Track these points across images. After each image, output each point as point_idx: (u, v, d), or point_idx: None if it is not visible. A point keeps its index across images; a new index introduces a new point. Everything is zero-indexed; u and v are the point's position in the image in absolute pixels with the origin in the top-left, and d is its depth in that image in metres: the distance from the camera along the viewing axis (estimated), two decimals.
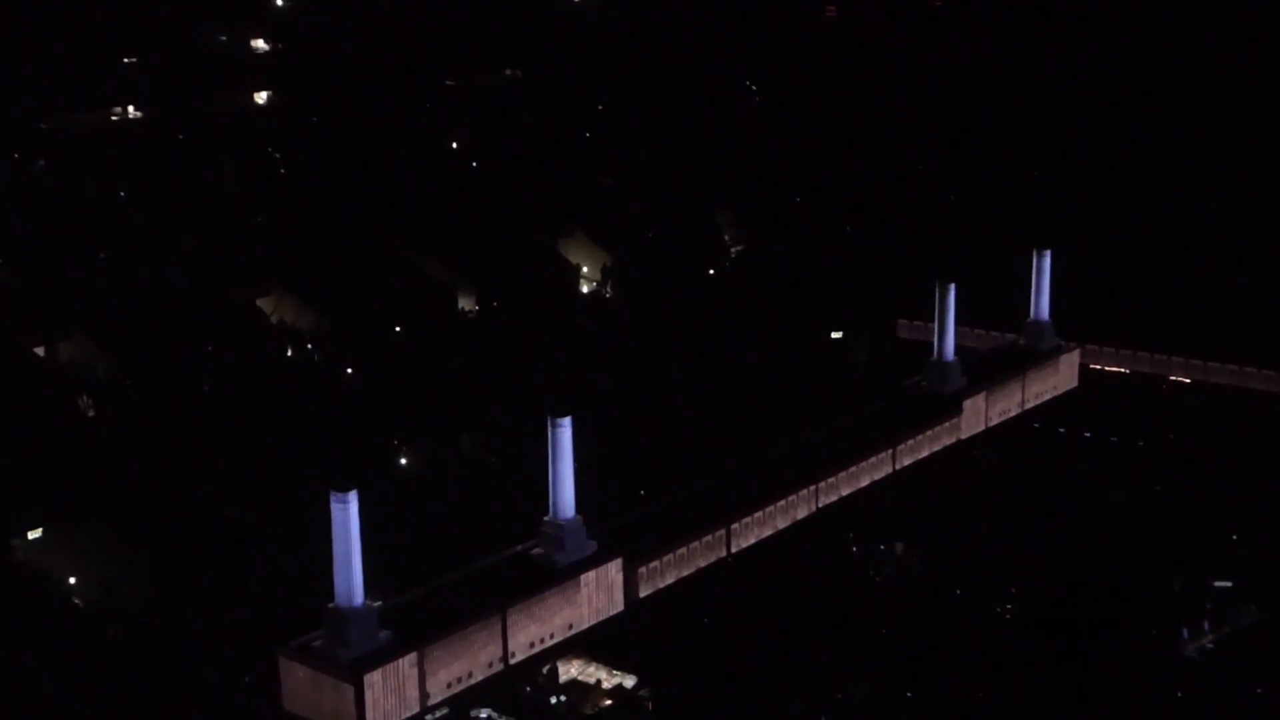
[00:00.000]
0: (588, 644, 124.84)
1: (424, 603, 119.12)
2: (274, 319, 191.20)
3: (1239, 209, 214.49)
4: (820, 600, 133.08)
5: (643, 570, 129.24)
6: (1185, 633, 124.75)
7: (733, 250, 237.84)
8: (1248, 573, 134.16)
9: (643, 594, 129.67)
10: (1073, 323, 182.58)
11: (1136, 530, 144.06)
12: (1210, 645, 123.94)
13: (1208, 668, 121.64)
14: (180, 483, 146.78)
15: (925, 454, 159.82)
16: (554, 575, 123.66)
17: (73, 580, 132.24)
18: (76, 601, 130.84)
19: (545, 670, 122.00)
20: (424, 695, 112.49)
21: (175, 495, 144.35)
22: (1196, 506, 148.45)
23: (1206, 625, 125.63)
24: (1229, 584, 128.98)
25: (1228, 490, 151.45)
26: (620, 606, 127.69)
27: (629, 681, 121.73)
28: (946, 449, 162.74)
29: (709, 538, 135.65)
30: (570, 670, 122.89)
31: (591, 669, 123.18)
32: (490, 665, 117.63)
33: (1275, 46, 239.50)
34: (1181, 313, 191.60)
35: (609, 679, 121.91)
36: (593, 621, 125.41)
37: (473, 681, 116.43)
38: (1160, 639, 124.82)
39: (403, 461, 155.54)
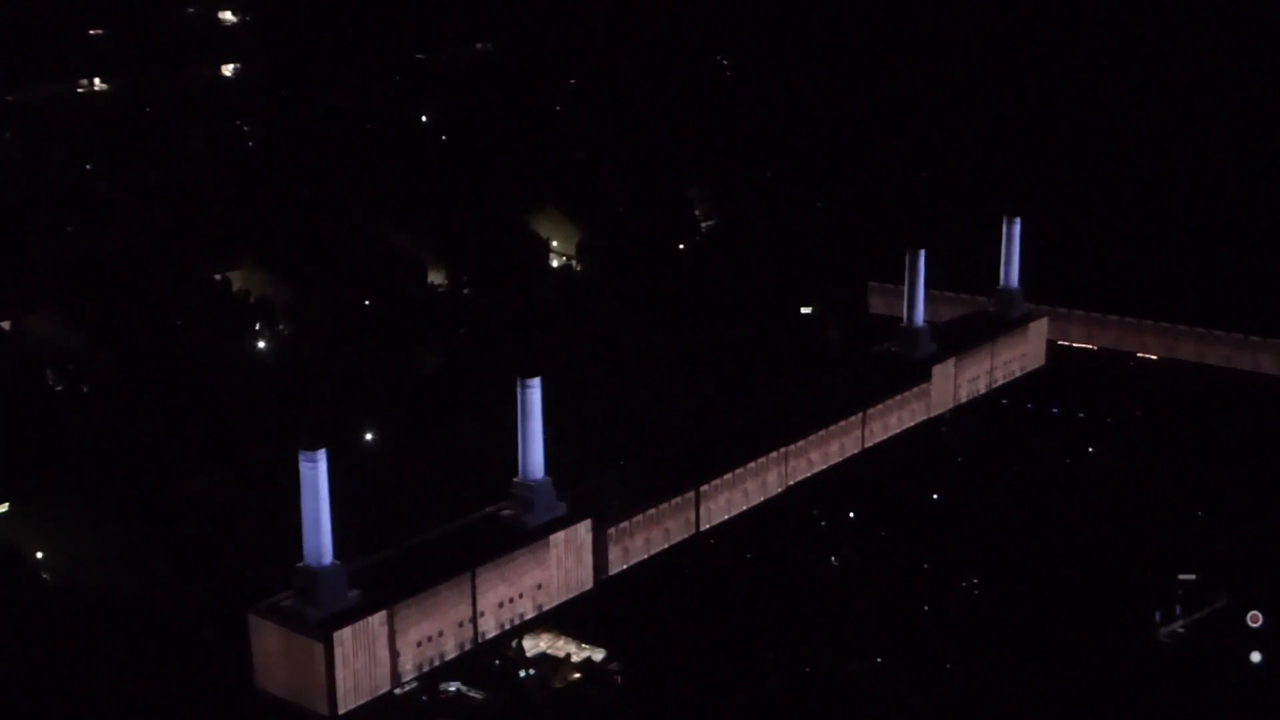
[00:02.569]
0: (557, 618, 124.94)
1: (394, 563, 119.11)
2: (243, 292, 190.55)
3: (1206, 176, 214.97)
4: (790, 575, 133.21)
5: (612, 531, 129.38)
6: (1157, 616, 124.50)
7: (703, 225, 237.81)
8: (1217, 555, 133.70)
9: (611, 556, 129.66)
10: (1041, 288, 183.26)
11: (1106, 508, 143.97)
12: (1182, 630, 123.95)
13: (1180, 653, 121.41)
14: (149, 456, 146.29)
15: (894, 423, 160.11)
16: (523, 536, 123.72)
17: (40, 555, 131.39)
18: (44, 576, 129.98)
19: (514, 644, 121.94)
20: (394, 653, 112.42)
21: (144, 468, 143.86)
22: (1165, 484, 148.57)
23: (1178, 610, 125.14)
24: (1193, 577, 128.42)
25: (1196, 468, 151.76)
26: (589, 567, 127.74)
27: (598, 655, 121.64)
28: (917, 425, 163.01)
29: (678, 500, 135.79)
30: (539, 644, 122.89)
31: (561, 643, 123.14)
32: (460, 624, 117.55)
33: (1239, 14, 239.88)
34: (1148, 278, 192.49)
35: (578, 652, 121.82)
36: (562, 584, 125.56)
37: (442, 640, 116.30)
38: (1133, 623, 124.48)
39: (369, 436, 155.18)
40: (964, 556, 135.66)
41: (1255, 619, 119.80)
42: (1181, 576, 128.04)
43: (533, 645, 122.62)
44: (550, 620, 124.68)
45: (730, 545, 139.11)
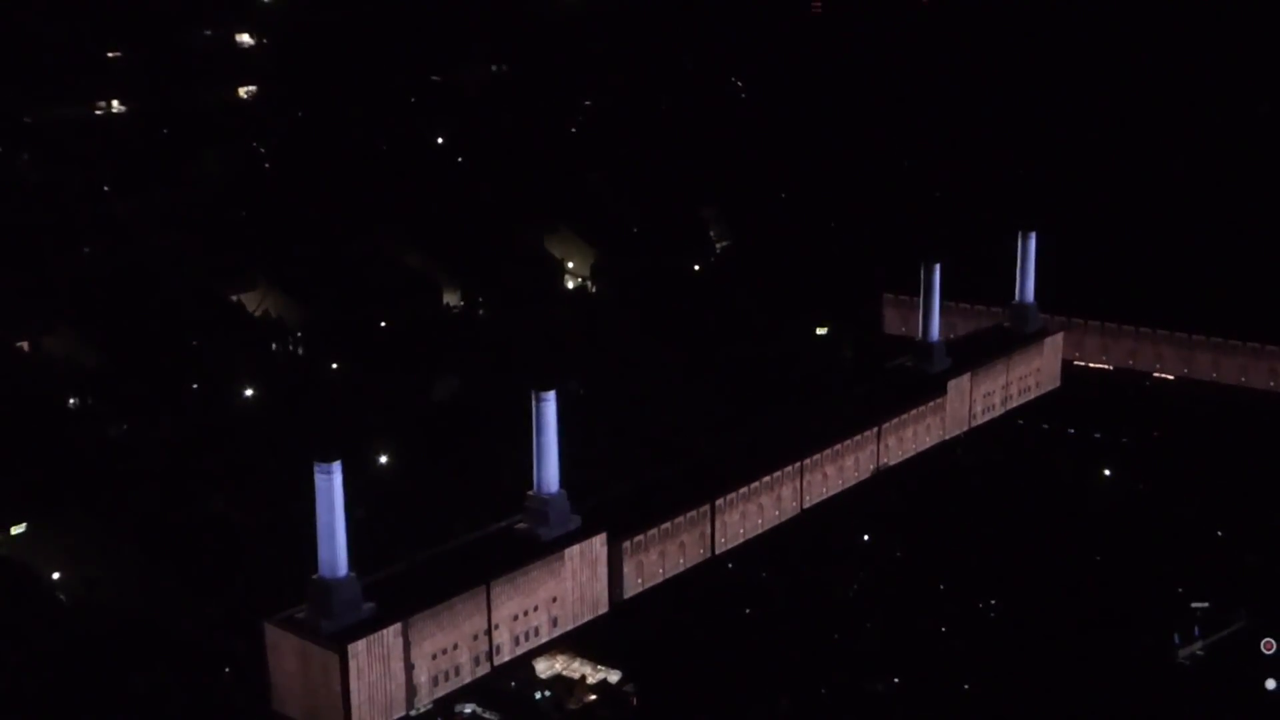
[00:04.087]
0: (572, 639, 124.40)
1: (409, 576, 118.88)
2: (258, 313, 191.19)
3: (1215, 189, 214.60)
4: (806, 596, 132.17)
5: (627, 544, 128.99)
6: (1176, 638, 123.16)
7: (718, 246, 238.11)
8: (1236, 577, 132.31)
9: (626, 570, 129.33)
10: (1056, 299, 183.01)
11: (1124, 530, 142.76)
12: (1201, 653, 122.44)
13: (1199, 676, 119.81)
14: (165, 475, 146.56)
15: (910, 437, 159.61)
16: (538, 549, 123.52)
17: (56, 576, 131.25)
18: (60, 597, 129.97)
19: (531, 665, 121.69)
20: (409, 665, 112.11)
21: (160, 488, 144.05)
22: (1183, 504, 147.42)
23: (1197, 631, 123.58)
24: (1206, 604, 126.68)
25: (1213, 487, 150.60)
26: (604, 580, 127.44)
27: (614, 676, 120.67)
28: (933, 447, 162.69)
29: (694, 513, 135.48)
30: (554, 665, 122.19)
31: (576, 664, 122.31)
32: (475, 637, 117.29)
33: (1247, 32, 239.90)
34: (1162, 290, 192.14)
35: (594, 674, 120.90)
36: (576, 597, 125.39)
37: (457, 653, 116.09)
38: (1151, 645, 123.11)
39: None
40: (982, 578, 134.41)
41: (1269, 646, 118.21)
42: (1195, 605, 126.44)
43: (547, 666, 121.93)
44: (565, 641, 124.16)
45: (746, 565, 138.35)
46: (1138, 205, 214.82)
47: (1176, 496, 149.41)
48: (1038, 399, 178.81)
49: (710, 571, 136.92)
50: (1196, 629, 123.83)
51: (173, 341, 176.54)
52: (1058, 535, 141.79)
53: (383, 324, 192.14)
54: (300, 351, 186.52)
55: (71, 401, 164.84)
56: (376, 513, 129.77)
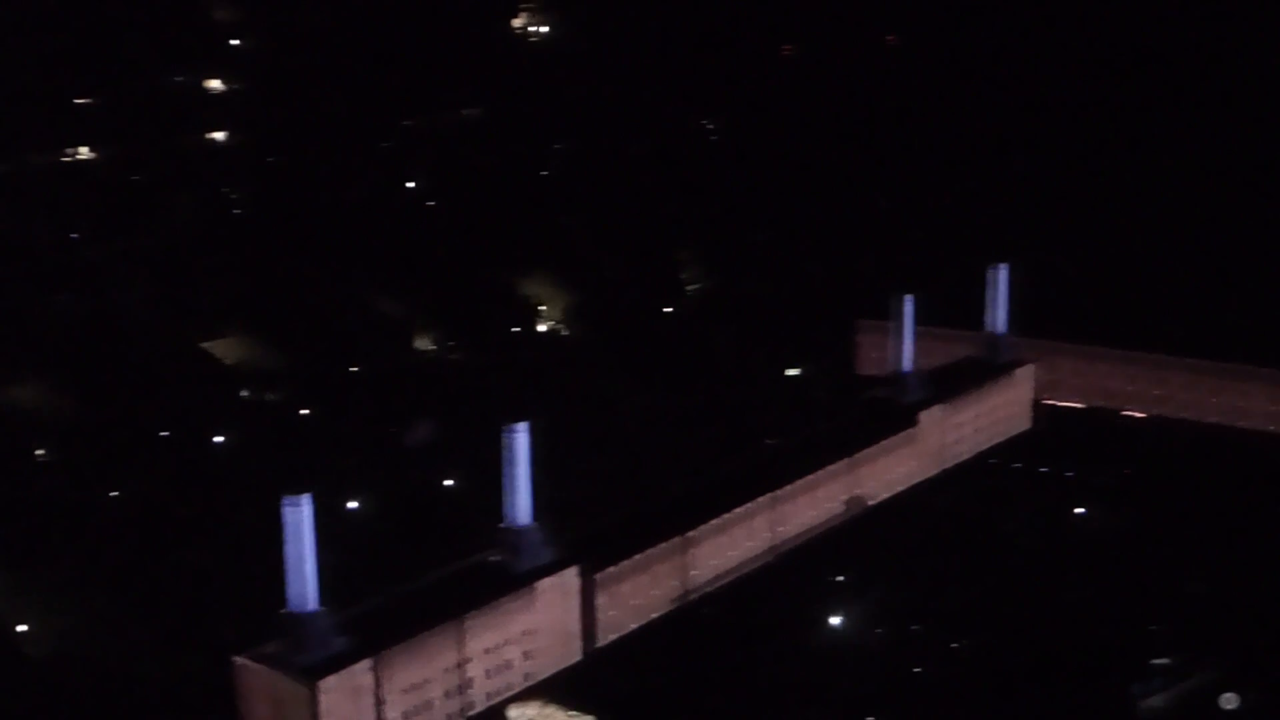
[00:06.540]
0: (545, 686, 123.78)
1: (381, 611, 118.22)
2: (229, 360, 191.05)
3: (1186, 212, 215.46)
4: (779, 640, 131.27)
5: (600, 576, 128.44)
6: (1134, 688, 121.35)
7: (689, 288, 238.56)
8: (1201, 625, 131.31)
9: (599, 602, 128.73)
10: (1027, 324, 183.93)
11: (1094, 571, 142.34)
12: (1161, 704, 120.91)
13: None
14: (135, 524, 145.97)
15: (882, 469, 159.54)
16: (511, 581, 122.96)
17: (24, 628, 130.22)
18: (29, 651, 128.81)
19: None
20: (380, 700, 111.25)
21: (131, 537, 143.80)
22: (1154, 546, 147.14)
23: (1157, 682, 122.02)
24: (1167, 660, 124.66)
25: (1185, 529, 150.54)
26: (577, 613, 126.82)
27: None
28: (907, 490, 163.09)
29: (667, 545, 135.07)
30: (528, 712, 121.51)
31: (550, 710, 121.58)
32: (447, 671, 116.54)
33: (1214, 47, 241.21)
34: (1134, 313, 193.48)
35: None
36: (549, 630, 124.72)
37: (429, 688, 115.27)
38: (1113, 693, 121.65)
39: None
40: (955, 618, 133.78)
41: (1230, 701, 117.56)
42: (1155, 661, 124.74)
43: (521, 713, 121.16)
44: (539, 686, 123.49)
45: (721, 608, 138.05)
46: (1105, 231, 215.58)
47: (1148, 537, 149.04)
48: (1008, 432, 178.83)
49: (685, 610, 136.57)
50: (1156, 680, 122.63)
51: (143, 389, 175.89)
52: (1030, 575, 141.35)
53: (354, 369, 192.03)
54: (272, 398, 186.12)
55: (40, 452, 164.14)
56: (348, 552, 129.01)
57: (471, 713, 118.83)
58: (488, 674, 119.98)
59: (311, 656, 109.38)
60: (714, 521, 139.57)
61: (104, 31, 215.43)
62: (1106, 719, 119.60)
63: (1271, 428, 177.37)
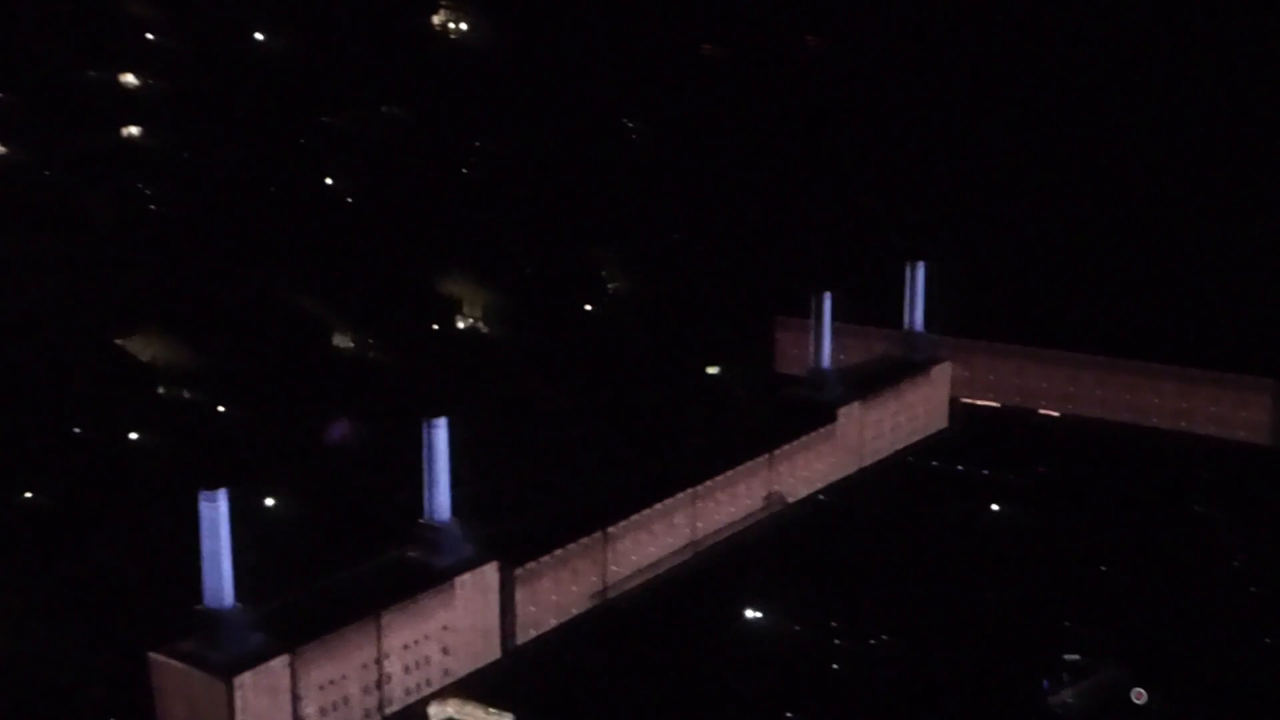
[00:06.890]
0: (465, 684, 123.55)
1: (298, 607, 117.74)
2: (145, 356, 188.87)
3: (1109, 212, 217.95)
4: (699, 635, 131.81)
5: (519, 572, 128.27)
6: (1045, 684, 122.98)
7: (610, 287, 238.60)
8: (1113, 622, 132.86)
9: (519, 597, 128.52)
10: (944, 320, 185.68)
11: (1008, 568, 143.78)
12: (1071, 700, 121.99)
13: None
14: (50, 525, 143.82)
15: (801, 464, 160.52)
16: (430, 578, 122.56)
17: None
18: None
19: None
20: (296, 696, 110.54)
21: (45, 539, 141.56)
22: (1067, 542, 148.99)
23: (1066, 678, 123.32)
24: (1077, 657, 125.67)
25: (1096, 528, 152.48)
26: (496, 609, 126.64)
27: None
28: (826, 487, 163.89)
29: (586, 540, 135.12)
30: (447, 709, 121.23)
31: (469, 708, 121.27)
32: (365, 667, 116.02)
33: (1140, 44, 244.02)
34: (1051, 311, 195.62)
35: (486, 718, 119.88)
36: (468, 626, 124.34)
37: (347, 684, 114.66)
38: (1023, 690, 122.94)
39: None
40: (873, 616, 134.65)
41: (1139, 696, 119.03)
42: (1066, 657, 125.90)
43: (439, 712, 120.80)
44: (458, 684, 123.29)
45: (640, 606, 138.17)
46: (1025, 230, 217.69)
47: (1062, 534, 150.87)
48: (926, 430, 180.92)
49: (604, 609, 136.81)
50: (1066, 675, 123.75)
51: (56, 387, 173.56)
52: (948, 572, 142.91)
53: (271, 366, 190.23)
54: (188, 395, 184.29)
55: None
56: (265, 548, 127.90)
57: (390, 709, 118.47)
58: (406, 670, 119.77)
59: (227, 653, 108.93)
60: (634, 518, 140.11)
61: (14, 27, 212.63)
62: (1019, 715, 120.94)
63: (1183, 425, 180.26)
